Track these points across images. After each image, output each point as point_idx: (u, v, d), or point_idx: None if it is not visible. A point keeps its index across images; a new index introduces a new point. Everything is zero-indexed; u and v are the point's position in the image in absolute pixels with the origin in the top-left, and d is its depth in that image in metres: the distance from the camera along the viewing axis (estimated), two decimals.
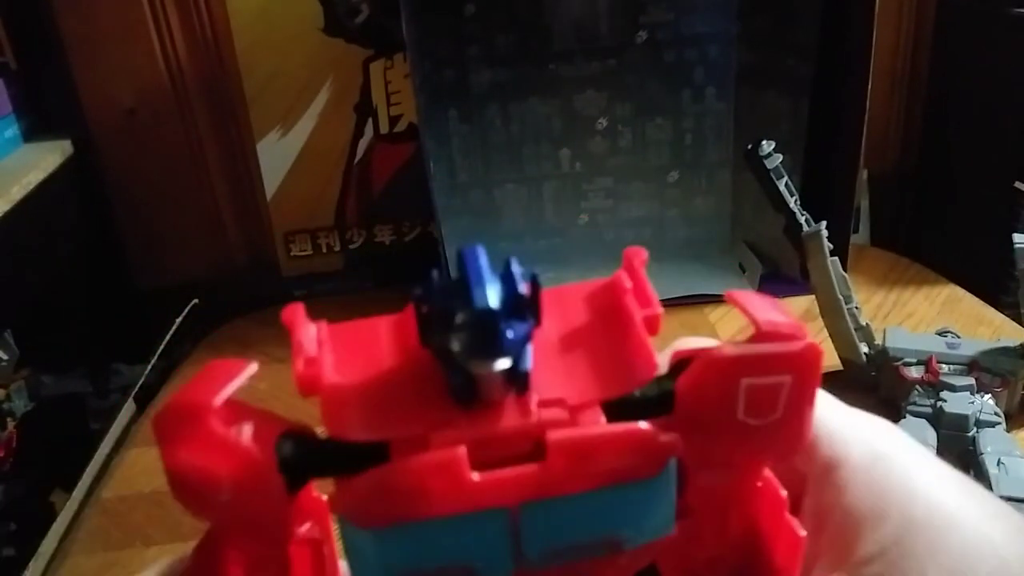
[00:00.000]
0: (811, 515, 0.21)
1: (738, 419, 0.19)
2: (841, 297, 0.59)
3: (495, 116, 0.80)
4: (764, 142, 0.58)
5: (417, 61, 0.72)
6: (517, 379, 0.18)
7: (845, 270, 0.60)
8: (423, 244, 0.84)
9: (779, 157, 0.59)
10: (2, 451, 0.64)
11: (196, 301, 0.76)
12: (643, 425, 0.18)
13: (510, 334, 0.17)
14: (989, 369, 0.57)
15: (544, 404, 0.18)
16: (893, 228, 0.92)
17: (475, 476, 0.17)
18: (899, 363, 0.58)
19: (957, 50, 0.85)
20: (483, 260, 0.18)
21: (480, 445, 0.17)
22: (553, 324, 0.20)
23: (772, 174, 0.58)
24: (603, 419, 0.18)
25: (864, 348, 0.60)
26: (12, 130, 0.75)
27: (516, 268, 0.18)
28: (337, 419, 0.18)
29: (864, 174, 0.85)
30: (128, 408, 0.72)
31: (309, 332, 0.20)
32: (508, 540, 0.18)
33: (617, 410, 0.19)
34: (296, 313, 0.20)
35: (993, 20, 0.79)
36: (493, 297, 0.17)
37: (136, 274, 0.85)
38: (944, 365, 0.57)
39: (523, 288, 0.17)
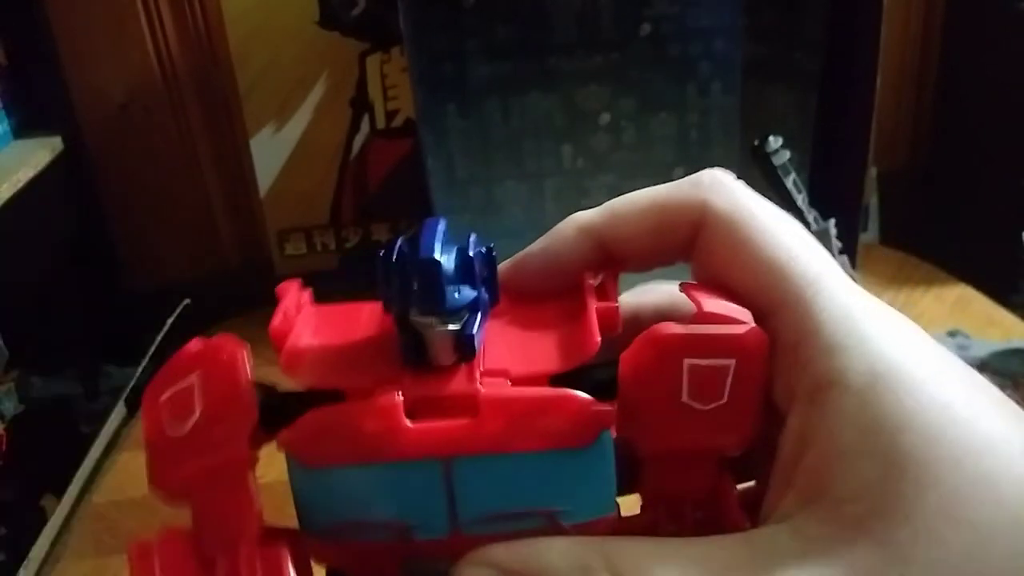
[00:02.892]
0: (791, 439, 0.19)
1: (682, 401, 0.19)
2: None
3: (495, 111, 0.79)
4: (771, 137, 0.58)
5: (415, 55, 0.72)
6: (463, 345, 0.19)
7: (854, 269, 0.60)
8: None
9: (786, 153, 0.58)
10: None
11: (188, 301, 0.75)
12: (576, 392, 0.19)
13: (455, 294, 0.18)
14: (1000, 371, 0.57)
15: (489, 373, 0.19)
16: (903, 226, 0.91)
17: (408, 423, 0.18)
18: None
19: (968, 44, 0.85)
20: (441, 227, 0.19)
21: (420, 403, 0.18)
22: (516, 310, 0.21)
23: (779, 171, 0.58)
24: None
25: None
26: (2, 126, 0.74)
27: (473, 239, 0.19)
28: (292, 365, 0.20)
29: (873, 171, 0.84)
30: (119, 411, 0.72)
31: (295, 301, 0.21)
32: (443, 498, 0.19)
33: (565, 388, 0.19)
34: (289, 287, 0.22)
35: (1004, 14, 0.79)
36: (437, 251, 0.18)
37: (127, 274, 0.85)
38: None
39: (472, 252, 0.19)
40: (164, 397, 0.20)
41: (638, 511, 0.21)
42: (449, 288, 0.18)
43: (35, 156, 0.73)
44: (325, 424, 0.19)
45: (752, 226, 0.22)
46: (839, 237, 0.58)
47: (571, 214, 0.24)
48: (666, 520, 0.21)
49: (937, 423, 0.18)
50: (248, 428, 0.19)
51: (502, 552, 0.19)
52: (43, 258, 0.78)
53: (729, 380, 0.19)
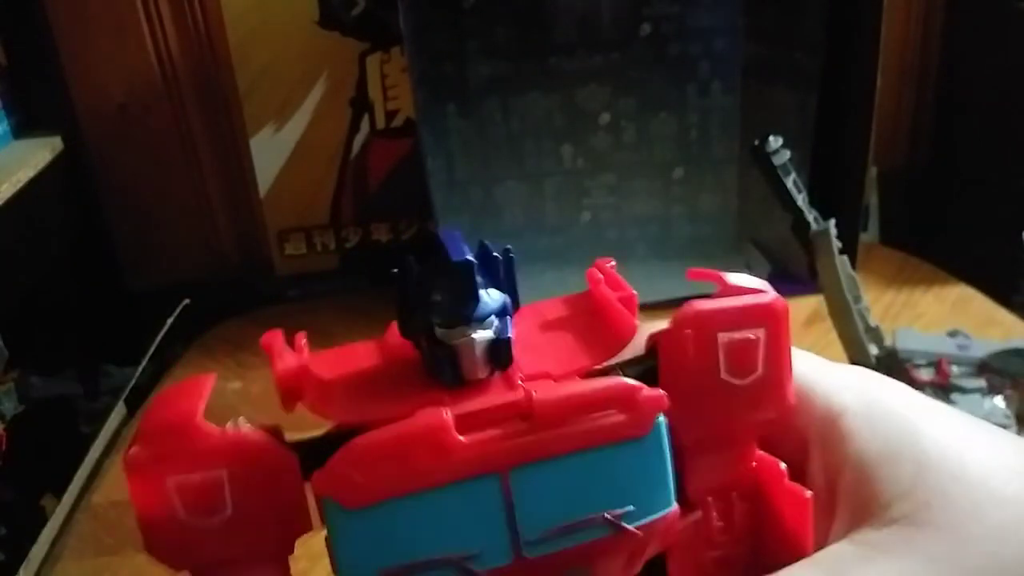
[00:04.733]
0: (820, 472, 0.21)
1: (721, 379, 0.19)
2: (850, 297, 0.58)
3: (495, 111, 0.79)
4: (772, 137, 0.58)
5: (415, 55, 0.71)
6: (499, 353, 0.18)
7: (854, 269, 0.60)
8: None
9: (787, 153, 0.58)
10: None
11: (188, 301, 0.75)
12: (628, 380, 0.18)
13: (487, 298, 0.17)
14: (1000, 371, 0.57)
15: (529, 378, 0.18)
16: (903, 226, 0.91)
17: (461, 438, 0.17)
18: (909, 365, 0.57)
19: (969, 43, 0.85)
20: (459, 235, 0.18)
21: (467, 420, 0.17)
22: (532, 323, 0.21)
23: (779, 171, 0.58)
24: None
25: (873, 350, 0.59)
26: (1, 126, 0.74)
27: (489, 245, 0.19)
28: (323, 401, 0.18)
29: (873, 171, 0.84)
30: (119, 411, 0.71)
31: (290, 345, 0.20)
32: (503, 518, 0.17)
33: None
34: (276, 335, 0.20)
35: (1004, 14, 0.79)
36: (469, 254, 0.17)
37: (127, 274, 0.85)
38: (954, 367, 0.57)
39: (496, 254, 0.18)
40: (173, 482, 0.17)
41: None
42: (479, 288, 0.18)
43: (35, 156, 0.73)
44: (366, 454, 0.17)
45: None
46: (839, 237, 0.58)
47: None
48: (717, 515, 0.21)
49: (939, 427, 0.20)
50: (297, 534, 0.18)
51: None
52: (42, 258, 0.78)
53: (761, 351, 0.19)
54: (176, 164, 0.81)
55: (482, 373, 0.18)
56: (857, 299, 0.58)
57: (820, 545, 0.20)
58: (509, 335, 0.18)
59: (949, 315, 0.71)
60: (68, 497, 0.63)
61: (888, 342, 0.59)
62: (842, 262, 0.58)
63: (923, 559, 0.18)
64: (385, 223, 0.83)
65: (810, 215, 0.58)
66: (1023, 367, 0.57)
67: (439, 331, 0.17)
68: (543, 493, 0.17)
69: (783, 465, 0.21)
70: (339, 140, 0.80)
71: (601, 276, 0.21)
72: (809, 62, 0.74)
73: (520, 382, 0.18)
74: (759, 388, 0.20)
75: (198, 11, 0.77)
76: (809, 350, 0.23)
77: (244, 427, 0.18)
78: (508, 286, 0.19)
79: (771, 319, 0.20)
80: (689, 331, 0.19)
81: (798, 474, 0.21)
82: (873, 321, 0.59)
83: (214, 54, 0.78)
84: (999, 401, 0.55)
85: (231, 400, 0.64)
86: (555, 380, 0.18)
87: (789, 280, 0.75)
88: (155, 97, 0.79)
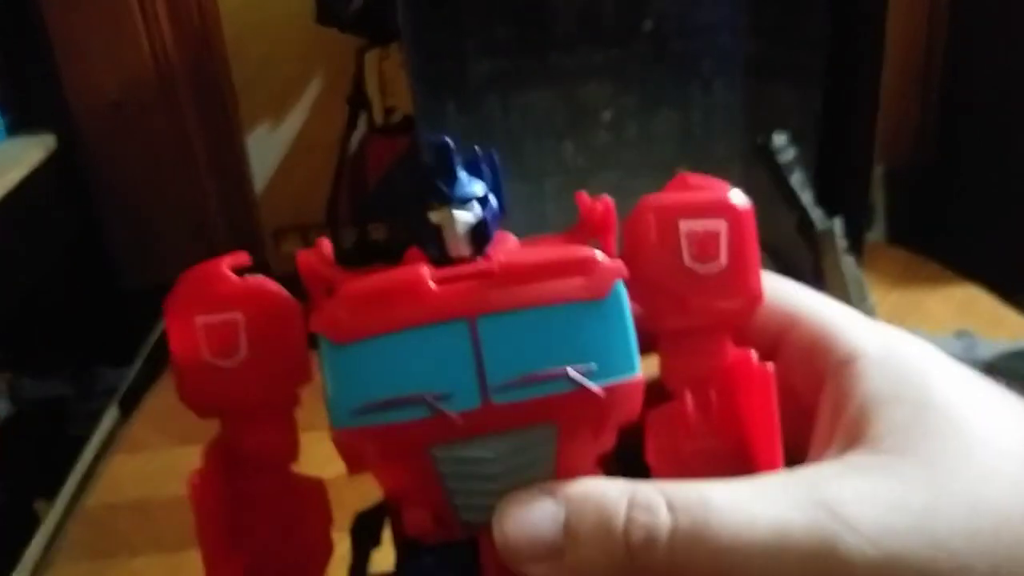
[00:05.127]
0: (827, 407, 0.22)
1: (685, 265, 0.21)
2: (856, 297, 0.58)
3: (495, 108, 0.79)
4: (776, 135, 0.57)
5: (413, 51, 0.71)
6: (479, 234, 0.20)
7: (860, 268, 0.59)
8: None
9: (793, 151, 0.57)
10: None
11: None
12: (586, 248, 0.20)
13: (468, 184, 0.20)
14: (1007, 372, 0.57)
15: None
16: (909, 225, 0.91)
17: (433, 286, 0.19)
18: None
19: (974, 41, 0.85)
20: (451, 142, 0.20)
21: (442, 278, 0.19)
22: (521, 245, 0.22)
23: (784, 169, 0.57)
24: None
25: None
26: None
27: (478, 150, 0.20)
28: (333, 278, 0.21)
29: (879, 169, 0.84)
30: (112, 413, 0.71)
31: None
32: (471, 362, 0.19)
33: None
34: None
35: (1009, 10, 0.79)
36: (447, 138, 0.19)
37: (121, 273, 0.85)
38: None
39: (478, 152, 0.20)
40: (200, 322, 0.20)
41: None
42: (462, 174, 0.20)
43: (29, 154, 0.73)
44: (353, 297, 0.19)
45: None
46: (844, 236, 0.57)
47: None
48: (694, 407, 0.22)
49: (952, 381, 0.21)
50: (299, 382, 0.21)
51: (562, 484, 0.20)
52: (35, 257, 0.78)
53: (723, 241, 0.21)
54: (171, 162, 0.81)
55: (464, 251, 0.20)
56: (863, 298, 0.58)
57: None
58: (487, 219, 0.20)
59: (956, 315, 0.71)
60: (61, 501, 0.63)
61: None
62: (847, 261, 0.57)
63: (898, 480, 0.19)
64: (382, 221, 0.83)
65: (815, 213, 0.58)
66: None
67: (430, 212, 0.19)
68: (508, 342, 0.19)
69: (754, 353, 0.22)
70: (336, 137, 0.80)
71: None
72: (813, 59, 0.74)
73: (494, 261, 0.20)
74: (724, 277, 0.21)
75: (194, 7, 0.77)
76: None
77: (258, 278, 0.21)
78: (494, 186, 0.20)
79: (731, 212, 0.21)
80: (651, 216, 0.21)
81: (812, 402, 0.22)
82: (879, 321, 0.59)
83: (210, 51, 0.78)
84: None
85: None
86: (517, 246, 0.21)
87: (794, 279, 0.75)
88: (150, 95, 0.79)
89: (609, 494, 0.19)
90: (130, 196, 0.82)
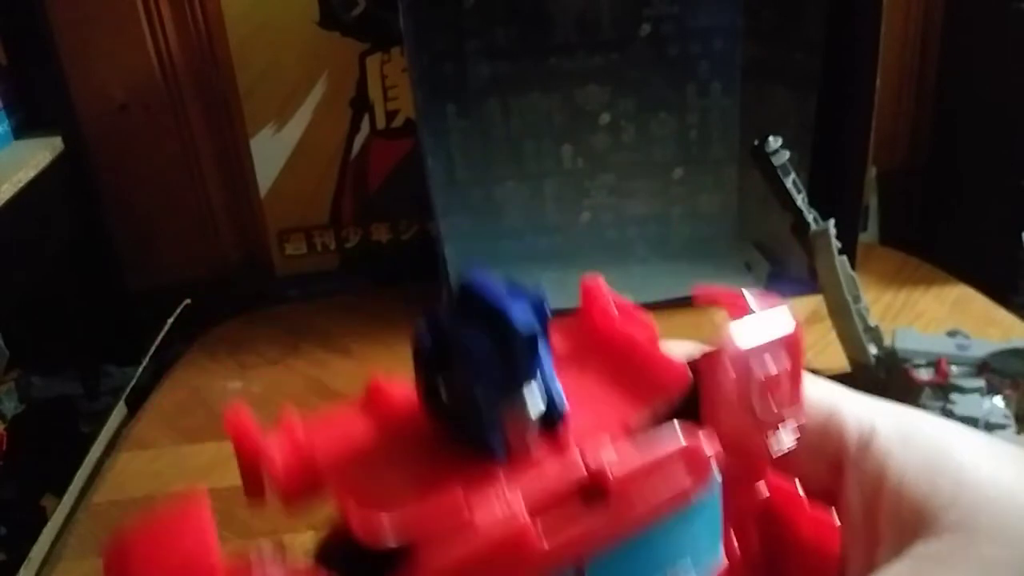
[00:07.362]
0: (856, 493, 0.20)
1: (753, 412, 0.18)
2: (849, 297, 0.58)
3: (495, 111, 0.79)
4: (771, 138, 0.57)
5: (415, 55, 0.71)
6: (550, 418, 0.16)
7: (853, 269, 0.59)
8: (421, 243, 0.83)
9: (786, 153, 0.58)
10: None
11: (188, 301, 0.75)
12: (684, 439, 0.17)
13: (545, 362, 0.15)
14: (999, 371, 0.56)
15: (581, 438, 0.17)
16: (902, 226, 0.91)
17: (546, 545, 0.15)
18: (908, 365, 0.57)
19: (968, 44, 0.84)
20: (502, 283, 0.16)
21: (537, 506, 0.16)
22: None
23: (779, 171, 0.57)
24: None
25: (873, 349, 0.59)
26: (2, 127, 0.74)
27: (526, 287, 0.16)
28: (355, 496, 0.16)
29: (873, 171, 0.84)
30: (119, 411, 0.71)
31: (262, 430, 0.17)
32: None
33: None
34: (240, 414, 0.17)
35: (1003, 14, 0.78)
36: (532, 319, 0.15)
37: (127, 273, 0.85)
38: (953, 367, 0.56)
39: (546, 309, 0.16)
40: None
41: None
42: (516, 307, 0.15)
43: (35, 156, 0.73)
44: (449, 572, 0.15)
45: None
46: (838, 237, 0.57)
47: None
48: (736, 541, 0.20)
49: (971, 447, 0.20)
50: None
51: None
52: (43, 258, 0.78)
53: (786, 380, 0.19)
54: (177, 164, 0.81)
55: (532, 441, 0.16)
56: (856, 299, 0.58)
57: (865, 570, 0.19)
58: (562, 395, 0.16)
59: (948, 315, 0.71)
60: (68, 497, 0.63)
61: (887, 342, 0.59)
62: (841, 262, 0.57)
63: (980, 565, 0.18)
64: (385, 223, 0.84)
65: (810, 215, 0.58)
66: (1022, 367, 0.56)
67: (480, 395, 0.15)
68: (616, 571, 0.17)
69: (800, 490, 0.20)
70: (339, 140, 0.80)
71: (615, 313, 0.20)
72: (808, 62, 0.74)
73: (574, 447, 0.16)
74: (780, 415, 0.19)
75: (198, 11, 0.77)
76: (809, 350, 0.22)
77: (270, 561, 0.15)
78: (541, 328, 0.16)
79: (795, 348, 0.19)
80: (730, 366, 0.18)
81: (828, 498, 0.21)
82: (872, 321, 0.59)
83: (214, 54, 0.78)
84: (998, 401, 0.55)
85: (231, 400, 0.64)
86: (606, 433, 0.17)
87: (788, 280, 0.75)
88: (156, 97, 0.79)
89: None
90: (136, 197, 0.82)
